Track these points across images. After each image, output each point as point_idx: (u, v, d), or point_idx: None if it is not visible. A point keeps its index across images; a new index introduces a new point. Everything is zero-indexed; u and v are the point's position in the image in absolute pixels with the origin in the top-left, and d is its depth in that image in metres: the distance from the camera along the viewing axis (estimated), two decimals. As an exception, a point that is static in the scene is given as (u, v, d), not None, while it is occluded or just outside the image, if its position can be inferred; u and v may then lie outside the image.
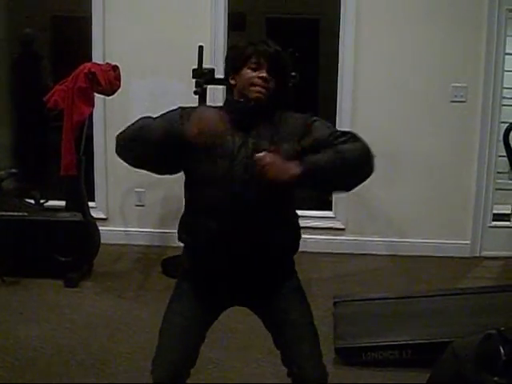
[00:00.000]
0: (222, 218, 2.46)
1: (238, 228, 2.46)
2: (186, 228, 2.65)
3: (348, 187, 2.55)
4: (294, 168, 2.31)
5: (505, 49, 5.81)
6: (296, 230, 2.64)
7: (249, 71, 2.52)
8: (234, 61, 2.59)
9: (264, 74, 2.50)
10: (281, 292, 2.60)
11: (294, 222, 2.64)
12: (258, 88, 2.50)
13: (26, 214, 5.19)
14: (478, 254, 6.03)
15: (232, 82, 2.59)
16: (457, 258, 5.91)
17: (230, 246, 2.48)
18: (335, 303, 4.51)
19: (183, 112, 2.59)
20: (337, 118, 5.88)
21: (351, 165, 2.44)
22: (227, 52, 2.71)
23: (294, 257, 2.69)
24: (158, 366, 2.61)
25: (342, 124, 5.79)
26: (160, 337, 2.67)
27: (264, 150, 2.37)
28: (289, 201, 2.59)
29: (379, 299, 4.62)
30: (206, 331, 2.69)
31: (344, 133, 2.52)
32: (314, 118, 2.57)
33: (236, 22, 7.88)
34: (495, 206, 6.10)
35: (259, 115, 2.51)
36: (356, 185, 2.52)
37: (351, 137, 2.50)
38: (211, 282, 2.61)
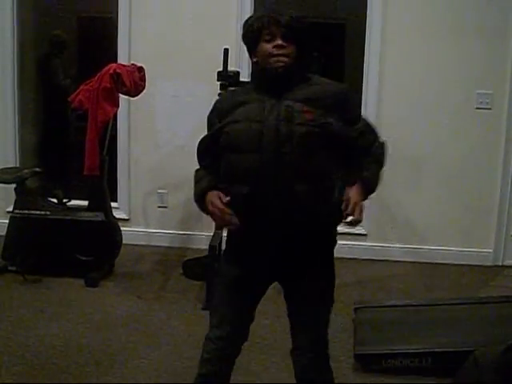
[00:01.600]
0: (253, 183, 2.50)
1: (269, 193, 2.48)
2: None
3: None
4: (361, 199, 2.50)
5: (531, 55, 5.76)
6: (333, 203, 2.53)
7: (264, 44, 2.55)
8: (248, 39, 2.63)
9: (279, 42, 2.52)
10: (312, 272, 2.64)
11: (331, 193, 2.54)
12: (276, 58, 2.53)
13: (48, 213, 5.22)
14: (500, 263, 5.98)
15: (254, 60, 2.63)
16: (479, 266, 5.86)
17: (262, 211, 2.50)
18: (356, 309, 4.49)
19: (219, 108, 2.77)
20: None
21: (383, 165, 2.69)
22: (242, 32, 2.70)
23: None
24: (213, 327, 2.72)
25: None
26: (212, 316, 2.78)
27: (298, 111, 2.48)
28: (324, 170, 2.53)
29: (400, 306, 4.59)
30: (254, 306, 2.75)
31: (368, 129, 2.69)
32: (348, 91, 2.72)
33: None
34: (518, 215, 6.04)
35: (287, 80, 2.56)
36: None
37: (375, 135, 2.71)
38: (249, 249, 2.63)
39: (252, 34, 2.59)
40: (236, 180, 2.55)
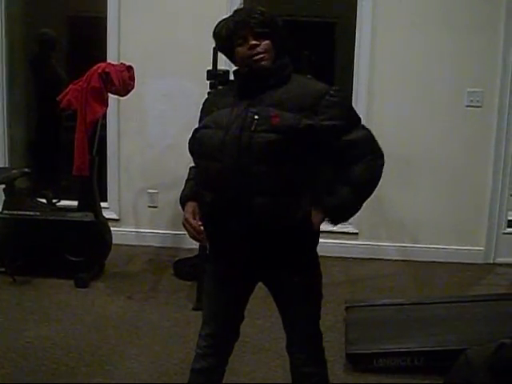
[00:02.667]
0: (216, 192, 2.44)
1: (229, 204, 2.40)
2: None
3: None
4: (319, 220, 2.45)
5: (522, 53, 5.77)
6: (299, 207, 2.43)
7: (239, 49, 2.47)
8: (222, 47, 2.59)
9: (252, 42, 2.44)
10: (293, 270, 2.54)
11: (296, 198, 2.43)
12: (255, 57, 2.44)
13: (38, 213, 5.19)
14: (491, 261, 5.99)
15: (236, 65, 2.56)
16: (470, 264, 5.86)
17: (223, 221, 2.44)
18: (347, 308, 4.48)
19: (204, 107, 2.72)
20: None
21: (362, 194, 2.51)
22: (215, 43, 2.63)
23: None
24: (203, 324, 2.72)
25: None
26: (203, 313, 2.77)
27: (266, 117, 2.36)
28: (288, 183, 2.41)
29: (391, 305, 4.58)
30: (241, 305, 2.73)
31: (362, 142, 2.50)
32: (333, 92, 2.46)
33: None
34: (510, 212, 6.04)
35: (262, 80, 2.46)
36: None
37: (371, 152, 2.53)
38: (222, 250, 2.57)
39: (224, 43, 2.54)
40: (203, 186, 2.53)
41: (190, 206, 2.59)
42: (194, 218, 2.55)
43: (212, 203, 2.46)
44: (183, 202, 2.65)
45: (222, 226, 2.47)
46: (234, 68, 2.61)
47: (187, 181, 2.76)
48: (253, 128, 2.37)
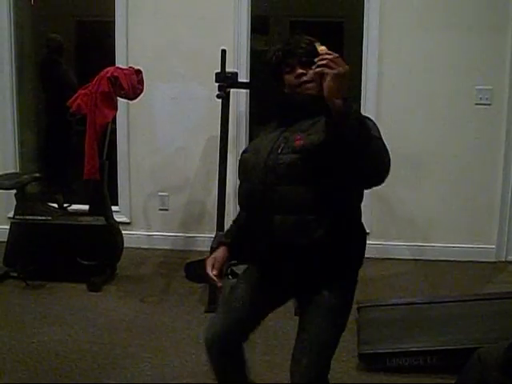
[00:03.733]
0: (248, 211, 2.64)
1: (257, 221, 2.55)
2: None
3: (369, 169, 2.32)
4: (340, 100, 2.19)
5: (531, 50, 5.76)
6: (319, 225, 2.45)
7: (287, 76, 2.60)
8: (272, 72, 2.67)
9: (299, 71, 2.56)
10: (321, 301, 2.56)
11: (317, 216, 2.45)
12: (302, 87, 2.56)
13: (49, 218, 5.21)
14: (503, 259, 5.98)
15: (285, 90, 2.64)
16: (482, 262, 5.85)
17: (255, 236, 2.57)
18: (359, 308, 4.47)
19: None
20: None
21: (372, 151, 2.27)
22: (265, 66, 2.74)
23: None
24: (212, 325, 2.72)
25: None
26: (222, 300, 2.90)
27: (294, 145, 2.45)
28: (306, 202, 2.44)
29: (403, 304, 4.57)
30: (268, 308, 2.76)
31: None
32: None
33: (260, 26, 7.88)
34: (521, 210, 6.03)
35: (302, 108, 2.56)
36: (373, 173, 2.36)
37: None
38: (262, 263, 2.68)
39: (273, 68, 2.65)
40: (240, 205, 2.71)
41: (212, 258, 2.73)
42: (214, 270, 2.67)
43: (246, 221, 2.66)
44: (215, 245, 2.92)
45: (253, 244, 2.62)
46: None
47: (233, 221, 2.89)
48: (279, 151, 2.49)
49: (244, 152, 2.72)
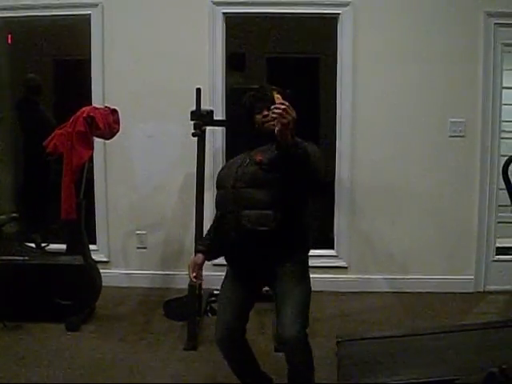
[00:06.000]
0: (222, 210, 3.46)
1: (229, 217, 3.38)
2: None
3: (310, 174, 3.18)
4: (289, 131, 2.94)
5: (502, 83, 5.86)
6: (289, 224, 3.33)
7: (257, 116, 3.51)
8: (245, 113, 3.58)
9: (265, 113, 3.42)
10: (284, 271, 3.38)
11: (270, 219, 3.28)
12: (267, 124, 3.39)
13: (27, 258, 5.18)
14: (482, 289, 6.01)
15: (255, 126, 3.54)
16: (461, 293, 5.89)
17: (226, 229, 3.39)
18: (338, 343, 4.46)
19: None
20: (336, 154, 5.91)
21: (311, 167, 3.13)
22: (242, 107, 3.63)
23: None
24: (216, 328, 3.48)
25: (342, 159, 5.83)
26: (217, 309, 3.65)
27: (255, 159, 3.37)
28: (265, 200, 3.30)
29: (383, 338, 4.57)
30: (250, 300, 3.55)
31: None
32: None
33: (236, 63, 7.95)
34: (498, 240, 6.09)
35: (266, 138, 3.40)
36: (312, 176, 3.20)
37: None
38: (233, 262, 3.54)
39: (247, 110, 3.56)
40: (217, 207, 3.57)
41: (194, 260, 3.65)
42: (193, 272, 3.59)
43: (219, 217, 3.49)
44: (196, 251, 3.77)
45: (224, 234, 3.43)
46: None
47: (208, 231, 3.77)
48: (245, 164, 3.43)
49: (221, 170, 3.65)
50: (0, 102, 6.61)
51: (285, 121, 2.87)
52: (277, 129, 2.91)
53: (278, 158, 3.09)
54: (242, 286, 3.50)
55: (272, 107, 2.90)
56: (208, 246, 3.64)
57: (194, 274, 3.57)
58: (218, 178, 3.59)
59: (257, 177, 3.33)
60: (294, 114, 2.91)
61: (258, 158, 3.36)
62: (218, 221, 3.51)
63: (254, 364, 3.65)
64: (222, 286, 3.59)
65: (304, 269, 3.49)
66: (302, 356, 3.36)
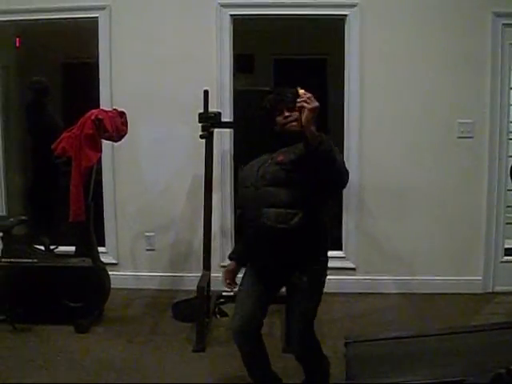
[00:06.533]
0: (245, 207, 3.60)
1: (252, 214, 3.48)
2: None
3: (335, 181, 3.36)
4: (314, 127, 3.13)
5: (509, 83, 5.84)
6: (309, 224, 3.40)
7: (278, 118, 3.56)
8: (266, 115, 3.62)
9: (286, 114, 3.52)
10: (301, 284, 3.47)
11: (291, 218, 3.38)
12: (288, 124, 3.52)
13: (36, 260, 5.19)
14: (490, 290, 6.00)
15: (276, 128, 3.58)
16: (469, 294, 5.87)
17: (250, 225, 3.51)
18: (346, 344, 4.45)
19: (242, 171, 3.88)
20: (345, 155, 5.89)
21: (336, 166, 3.23)
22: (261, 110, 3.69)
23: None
24: (234, 319, 3.59)
25: (350, 160, 5.82)
26: (236, 302, 3.66)
27: (277, 160, 3.46)
28: (287, 199, 3.39)
29: (391, 339, 4.56)
30: (268, 294, 3.61)
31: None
32: None
33: (244, 64, 7.96)
34: (506, 241, 6.07)
35: (290, 139, 3.49)
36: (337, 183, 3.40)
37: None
38: (253, 258, 3.64)
39: (267, 112, 3.61)
40: (239, 206, 3.87)
41: (228, 269, 3.80)
42: (227, 280, 3.77)
43: (241, 215, 3.69)
44: (229, 258, 3.87)
45: (246, 232, 3.58)
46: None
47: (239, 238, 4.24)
48: (267, 164, 3.52)
49: (243, 170, 3.76)
50: (8, 105, 6.62)
51: (310, 106, 3.07)
52: (303, 117, 3.10)
53: (306, 153, 3.20)
54: (260, 282, 3.58)
55: (298, 99, 3.13)
56: (240, 252, 3.78)
57: (228, 281, 3.76)
58: (240, 177, 3.77)
59: (277, 176, 3.43)
60: (316, 103, 3.11)
61: (280, 158, 3.46)
62: (239, 218, 3.75)
63: (266, 361, 3.71)
64: (241, 283, 3.67)
65: (321, 280, 3.58)
66: (316, 363, 3.72)
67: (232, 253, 3.88)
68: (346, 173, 3.34)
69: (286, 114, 3.51)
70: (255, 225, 3.45)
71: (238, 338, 3.56)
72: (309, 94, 3.12)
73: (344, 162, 3.35)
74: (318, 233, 3.52)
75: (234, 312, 3.61)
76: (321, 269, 3.58)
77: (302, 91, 3.16)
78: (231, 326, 3.61)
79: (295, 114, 3.40)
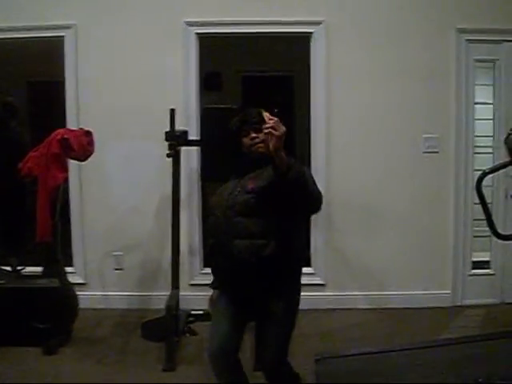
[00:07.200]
0: (213, 236, 3.45)
1: (221, 245, 3.36)
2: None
3: (306, 204, 3.27)
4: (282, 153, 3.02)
5: (474, 98, 5.92)
6: (283, 253, 3.30)
7: (244, 139, 3.48)
8: (233, 136, 3.51)
9: (252, 135, 3.43)
10: (276, 309, 3.40)
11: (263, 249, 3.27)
12: (254, 147, 3.43)
13: (2, 281, 5.14)
14: (459, 303, 6.05)
15: (243, 150, 3.49)
16: (438, 308, 5.91)
17: (218, 256, 3.42)
18: (317, 360, 4.44)
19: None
20: (312, 170, 5.91)
21: (309, 190, 3.18)
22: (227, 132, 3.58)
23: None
24: (211, 342, 3.47)
25: (317, 176, 5.79)
26: (211, 324, 3.59)
27: (246, 188, 3.33)
28: (259, 229, 3.27)
29: (362, 354, 4.55)
30: (244, 317, 3.51)
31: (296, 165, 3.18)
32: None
33: (212, 82, 7.97)
34: (474, 254, 6.11)
35: (255, 161, 3.42)
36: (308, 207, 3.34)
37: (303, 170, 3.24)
38: (225, 285, 3.54)
39: (233, 134, 3.51)
40: (209, 234, 3.55)
41: (211, 296, 3.73)
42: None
43: (212, 246, 3.47)
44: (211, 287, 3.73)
45: (217, 263, 3.47)
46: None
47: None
48: (236, 193, 3.38)
49: (212, 197, 3.58)
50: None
51: (277, 133, 2.97)
52: (271, 144, 2.98)
53: (276, 180, 3.08)
54: (236, 305, 3.48)
55: (264, 126, 3.02)
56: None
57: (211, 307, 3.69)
58: (209, 203, 3.60)
59: (248, 206, 3.30)
60: (283, 128, 3.01)
61: (250, 186, 3.34)
62: (210, 248, 3.49)
63: None
64: (216, 304, 3.60)
65: (297, 303, 3.53)
66: (289, 382, 3.66)
67: (213, 282, 3.71)
68: (319, 195, 3.28)
69: (253, 135, 3.43)
70: (226, 256, 3.33)
71: (216, 361, 3.45)
72: (275, 119, 3.01)
73: (316, 185, 3.29)
74: (291, 258, 3.41)
75: (210, 334, 3.50)
76: (296, 292, 3.53)
77: (267, 115, 3.07)
78: (208, 349, 3.48)
79: (262, 136, 3.28)
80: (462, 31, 5.81)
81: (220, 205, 3.41)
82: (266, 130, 2.99)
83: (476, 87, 5.97)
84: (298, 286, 3.54)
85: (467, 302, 6.06)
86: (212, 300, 3.68)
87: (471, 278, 6.08)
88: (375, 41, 5.89)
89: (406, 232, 6.00)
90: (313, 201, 3.24)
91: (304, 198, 3.16)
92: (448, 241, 6.01)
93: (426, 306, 5.91)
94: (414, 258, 6.02)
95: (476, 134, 6.01)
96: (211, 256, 3.51)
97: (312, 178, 3.30)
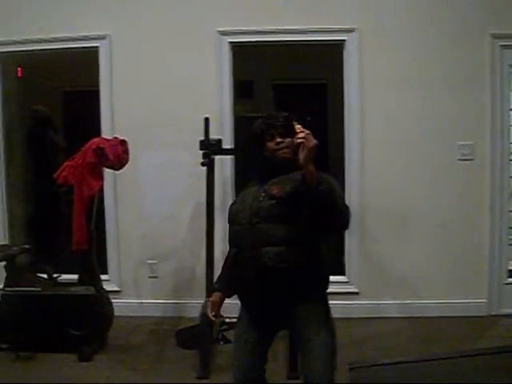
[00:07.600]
0: (239, 246, 3.25)
1: (246, 254, 3.18)
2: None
3: (334, 223, 3.11)
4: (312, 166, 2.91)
5: (509, 104, 5.87)
6: (310, 259, 3.16)
7: (268, 143, 3.33)
8: (256, 140, 3.39)
9: (278, 140, 3.30)
10: (306, 314, 3.24)
11: (293, 247, 3.13)
12: (280, 151, 3.29)
13: (39, 289, 5.20)
14: (495, 313, 5.97)
15: (266, 154, 3.34)
16: (473, 317, 5.84)
17: (244, 267, 3.20)
18: (351, 369, 4.43)
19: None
20: (346, 179, 5.92)
21: (337, 209, 3.03)
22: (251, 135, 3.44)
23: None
24: (234, 371, 3.38)
25: (351, 185, 5.84)
26: (233, 350, 3.45)
27: (271, 193, 3.19)
28: (286, 236, 3.13)
29: (396, 363, 4.53)
30: (267, 339, 3.42)
31: (330, 191, 3.05)
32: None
33: (244, 90, 7.99)
34: (511, 262, 6.04)
35: (281, 167, 3.28)
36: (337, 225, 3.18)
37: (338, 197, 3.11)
38: (250, 302, 3.34)
39: (257, 137, 3.37)
40: (230, 244, 3.36)
41: (212, 301, 3.59)
42: (212, 312, 3.55)
43: (235, 255, 3.27)
44: (212, 290, 3.65)
45: (242, 272, 3.22)
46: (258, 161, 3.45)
47: (222, 267, 3.59)
48: (260, 198, 3.22)
49: (232, 204, 3.44)
50: (10, 134, 6.65)
51: (310, 145, 2.86)
52: (301, 156, 2.87)
53: (303, 192, 2.96)
54: (258, 327, 3.35)
55: (297, 136, 2.89)
56: (226, 282, 3.49)
57: (213, 313, 3.54)
58: (230, 212, 3.39)
59: (274, 212, 3.15)
60: (315, 141, 2.89)
61: (275, 191, 3.19)
62: (234, 258, 3.29)
63: None
64: (236, 327, 3.46)
65: (326, 309, 3.35)
66: None
67: (216, 282, 3.65)
68: (347, 216, 3.10)
69: (278, 139, 3.29)
70: (253, 264, 3.14)
71: None
72: (307, 131, 2.89)
73: (345, 205, 3.12)
74: (319, 267, 3.26)
75: (233, 362, 3.42)
76: (321, 301, 3.34)
77: (299, 128, 2.92)
78: (233, 378, 3.37)
79: (288, 141, 3.24)
80: (497, 37, 5.76)
81: (244, 212, 3.25)
82: (299, 140, 2.87)
83: (511, 93, 5.92)
84: (325, 299, 3.37)
85: (503, 311, 5.99)
86: (213, 304, 3.56)
87: (507, 286, 6.00)
88: (408, 48, 5.87)
89: (440, 240, 5.95)
90: (339, 218, 3.07)
91: (330, 215, 3.00)
92: (483, 249, 5.95)
93: (461, 314, 5.85)
94: (448, 266, 5.96)
95: (511, 140, 5.95)
96: (234, 266, 3.30)
97: (342, 197, 3.17)
